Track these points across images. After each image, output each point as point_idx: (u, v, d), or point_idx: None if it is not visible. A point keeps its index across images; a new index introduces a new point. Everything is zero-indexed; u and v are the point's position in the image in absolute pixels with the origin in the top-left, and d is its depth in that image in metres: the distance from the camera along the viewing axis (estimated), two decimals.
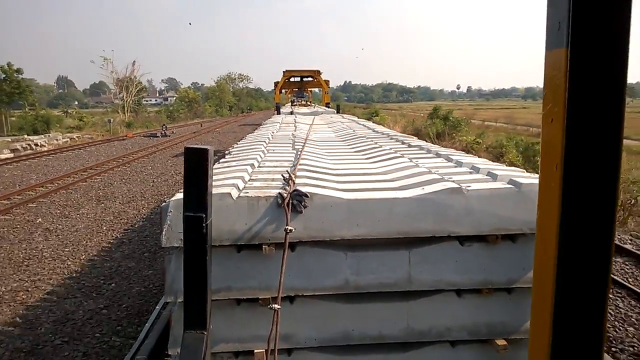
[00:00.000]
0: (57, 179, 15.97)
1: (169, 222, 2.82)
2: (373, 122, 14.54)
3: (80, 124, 38.86)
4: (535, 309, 1.19)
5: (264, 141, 6.32)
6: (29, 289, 6.98)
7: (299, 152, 4.88)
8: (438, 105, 40.78)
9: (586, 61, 0.97)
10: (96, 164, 19.44)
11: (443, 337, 3.06)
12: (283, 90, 29.77)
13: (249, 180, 3.48)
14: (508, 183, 3.11)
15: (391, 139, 6.73)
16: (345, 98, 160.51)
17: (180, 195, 2.78)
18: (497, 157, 15.65)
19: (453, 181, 3.16)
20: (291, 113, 18.13)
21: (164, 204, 2.94)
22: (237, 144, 6.89)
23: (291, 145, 5.95)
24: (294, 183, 3.12)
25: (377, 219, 2.91)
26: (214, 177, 3.01)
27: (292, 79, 26.56)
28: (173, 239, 2.81)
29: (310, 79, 26.67)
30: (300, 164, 4.02)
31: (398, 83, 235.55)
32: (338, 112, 20.20)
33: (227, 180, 3.32)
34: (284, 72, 25.22)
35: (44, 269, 7.82)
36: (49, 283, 7.23)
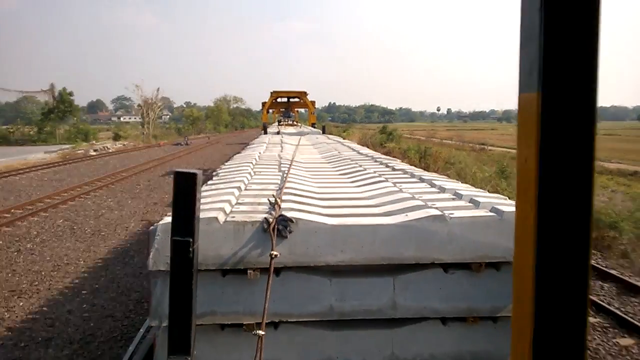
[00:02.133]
0: (150, 162, 26.57)
1: (156, 245, 2.82)
2: (341, 137, 20.08)
3: (125, 134, 50.83)
4: (515, 340, 1.22)
5: (251, 162, 6.34)
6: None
7: (285, 175, 4.91)
8: (386, 125, 57.80)
9: (557, 105, 1.02)
10: (161, 157, 29.99)
11: None
12: (270, 110, 29.93)
13: (235, 204, 3.49)
14: (490, 210, 3.16)
15: (375, 161, 6.80)
16: (330, 118, 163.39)
17: (168, 219, 2.79)
18: (403, 154, 24.47)
19: (436, 208, 3.21)
20: (278, 133, 18.18)
21: (152, 227, 2.94)
22: (224, 165, 6.90)
23: (277, 167, 5.98)
24: (280, 208, 3.14)
25: (361, 245, 2.94)
26: (201, 200, 3.02)
27: (279, 100, 26.73)
28: (160, 262, 2.81)
29: (296, 99, 26.84)
30: (286, 187, 4.05)
31: (380, 105, 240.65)
32: (324, 132, 20.30)
33: (214, 204, 3.33)
34: (271, 92, 25.37)
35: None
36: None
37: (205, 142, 47.29)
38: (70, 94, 50.18)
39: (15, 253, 8.94)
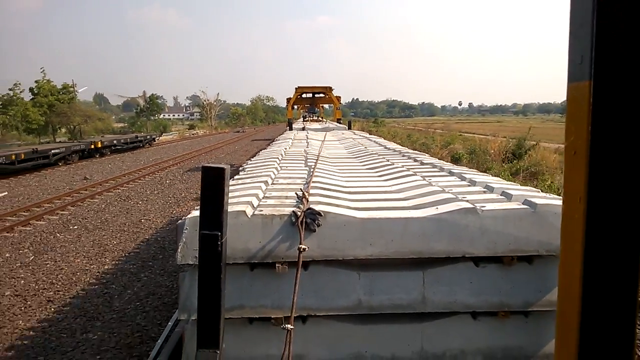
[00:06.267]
0: (235, 138, 46.63)
1: (184, 239, 2.83)
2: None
3: (200, 126, 76.34)
4: (560, 336, 1.17)
5: (277, 158, 6.34)
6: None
7: (312, 169, 4.88)
8: (378, 117, 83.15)
9: (609, 94, 0.96)
10: (238, 136, 49.18)
11: None
12: (295, 106, 29.96)
13: (263, 198, 3.48)
14: (523, 203, 3.08)
15: (403, 156, 6.72)
16: (352, 114, 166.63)
17: (196, 213, 2.79)
18: (378, 134, 30.18)
19: (467, 201, 3.14)
20: (303, 129, 18.12)
21: (179, 221, 2.95)
22: (250, 160, 6.92)
23: (304, 162, 5.96)
24: (308, 201, 3.11)
25: (391, 239, 2.90)
26: (229, 194, 3.02)
27: (304, 95, 26.70)
28: (188, 256, 2.81)
29: (321, 95, 26.80)
30: (313, 182, 4.02)
31: (402, 100, 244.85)
32: (349, 128, 20.17)
33: (241, 197, 3.33)
34: (296, 88, 25.35)
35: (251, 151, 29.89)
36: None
37: (254, 130, 69.72)
38: (158, 98, 69.74)
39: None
